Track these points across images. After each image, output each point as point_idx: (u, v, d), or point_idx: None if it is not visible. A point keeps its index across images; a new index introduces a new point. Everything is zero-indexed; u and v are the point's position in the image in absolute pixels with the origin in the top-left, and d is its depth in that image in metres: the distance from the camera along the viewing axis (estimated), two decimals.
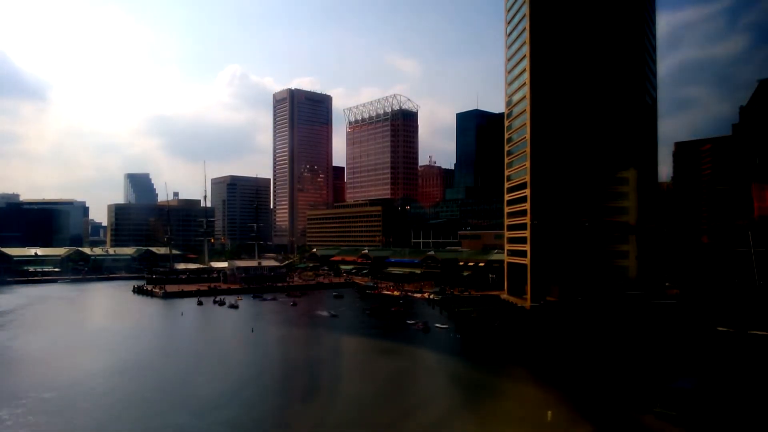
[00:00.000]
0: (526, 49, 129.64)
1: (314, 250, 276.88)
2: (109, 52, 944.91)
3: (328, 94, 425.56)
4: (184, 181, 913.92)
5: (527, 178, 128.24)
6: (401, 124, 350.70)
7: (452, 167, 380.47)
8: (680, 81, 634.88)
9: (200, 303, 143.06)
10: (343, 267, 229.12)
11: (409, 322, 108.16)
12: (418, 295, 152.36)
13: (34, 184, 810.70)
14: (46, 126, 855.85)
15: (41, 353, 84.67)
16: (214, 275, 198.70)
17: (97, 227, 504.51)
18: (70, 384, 65.15)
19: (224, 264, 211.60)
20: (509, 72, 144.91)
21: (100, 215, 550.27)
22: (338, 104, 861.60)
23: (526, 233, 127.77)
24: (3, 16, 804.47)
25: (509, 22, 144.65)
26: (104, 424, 51.84)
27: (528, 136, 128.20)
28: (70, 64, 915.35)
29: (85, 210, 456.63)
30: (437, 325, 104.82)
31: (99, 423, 52.12)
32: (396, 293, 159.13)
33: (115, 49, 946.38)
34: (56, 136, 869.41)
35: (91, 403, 58.10)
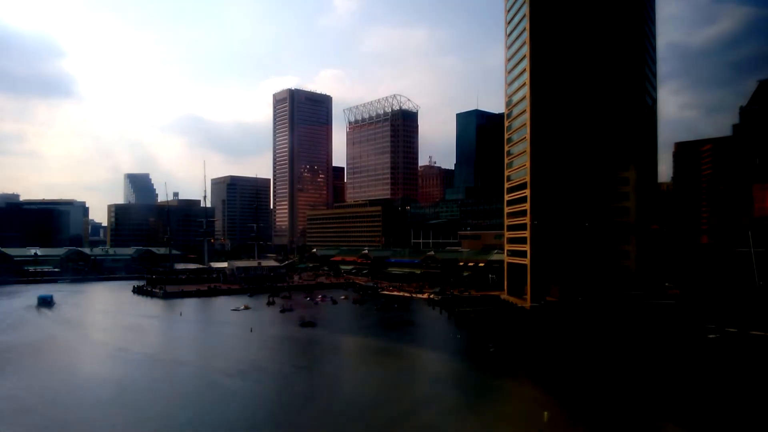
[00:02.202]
0: (526, 49, 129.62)
1: (314, 250, 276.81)
2: (136, 54, 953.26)
3: (328, 94, 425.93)
4: (190, 179, 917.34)
5: (527, 178, 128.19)
6: (401, 124, 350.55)
7: (452, 167, 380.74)
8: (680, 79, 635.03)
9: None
10: (343, 267, 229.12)
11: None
12: (418, 296, 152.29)
13: (49, 183, 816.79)
14: (61, 125, 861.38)
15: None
16: (214, 275, 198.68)
17: (97, 227, 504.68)
18: None
19: (224, 264, 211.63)
20: (509, 72, 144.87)
21: (100, 215, 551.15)
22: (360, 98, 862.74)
23: (526, 233, 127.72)
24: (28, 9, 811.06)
25: (509, 23, 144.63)
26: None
27: (528, 136, 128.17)
28: (99, 62, 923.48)
29: (85, 210, 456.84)
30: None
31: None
32: (395, 292, 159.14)
33: (142, 52, 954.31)
34: (70, 135, 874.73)
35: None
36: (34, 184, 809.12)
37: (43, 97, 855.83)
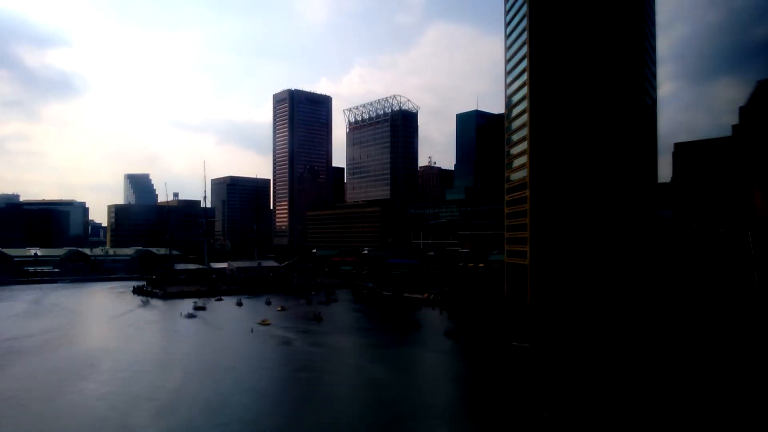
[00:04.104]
0: (526, 49, 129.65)
1: (314, 250, 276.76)
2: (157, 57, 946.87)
3: (328, 94, 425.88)
4: (191, 180, 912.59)
5: (527, 179, 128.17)
6: (401, 125, 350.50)
7: (452, 167, 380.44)
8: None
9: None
10: (343, 267, 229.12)
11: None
12: (419, 296, 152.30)
13: (49, 183, 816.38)
14: (67, 124, 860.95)
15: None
16: (214, 276, 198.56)
17: (97, 227, 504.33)
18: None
19: (224, 265, 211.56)
20: (509, 72, 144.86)
21: (101, 216, 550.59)
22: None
23: (526, 234, 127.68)
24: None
25: (509, 23, 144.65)
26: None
27: (528, 136, 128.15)
28: (117, 62, 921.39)
29: (85, 210, 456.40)
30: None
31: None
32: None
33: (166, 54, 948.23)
34: (78, 136, 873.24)
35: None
36: (35, 184, 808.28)
37: (56, 97, 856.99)
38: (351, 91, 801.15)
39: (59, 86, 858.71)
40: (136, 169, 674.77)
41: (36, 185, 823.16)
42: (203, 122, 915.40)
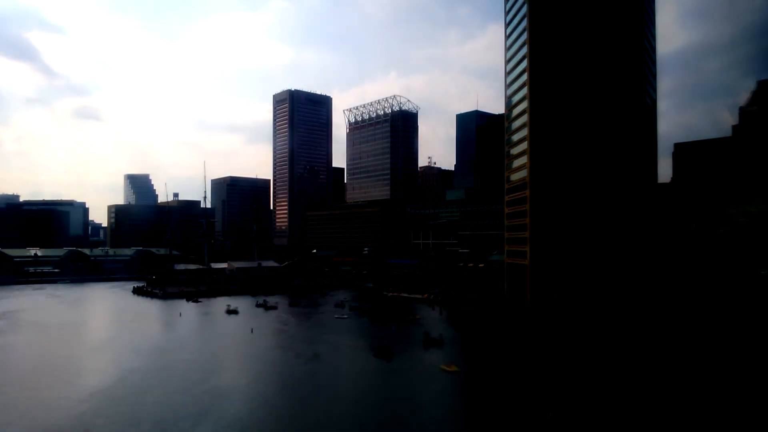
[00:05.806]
0: (526, 50, 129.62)
1: (314, 251, 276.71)
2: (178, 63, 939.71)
3: (328, 95, 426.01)
4: (191, 180, 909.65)
5: (527, 178, 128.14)
6: (401, 125, 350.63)
7: (452, 168, 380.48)
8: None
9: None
10: (343, 268, 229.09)
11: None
12: (418, 296, 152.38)
13: (51, 183, 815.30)
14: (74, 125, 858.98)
15: None
16: (214, 276, 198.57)
17: (97, 228, 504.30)
18: None
19: (224, 265, 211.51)
20: (509, 72, 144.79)
21: (101, 216, 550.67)
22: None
23: (526, 234, 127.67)
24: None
25: (509, 23, 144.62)
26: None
27: (528, 136, 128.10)
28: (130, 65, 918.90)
29: (85, 210, 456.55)
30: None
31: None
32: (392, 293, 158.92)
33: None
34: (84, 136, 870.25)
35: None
36: (36, 184, 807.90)
37: (69, 95, 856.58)
38: (377, 91, 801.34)
39: (73, 84, 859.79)
40: (143, 170, 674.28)
41: (36, 185, 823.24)
42: (227, 122, 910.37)
